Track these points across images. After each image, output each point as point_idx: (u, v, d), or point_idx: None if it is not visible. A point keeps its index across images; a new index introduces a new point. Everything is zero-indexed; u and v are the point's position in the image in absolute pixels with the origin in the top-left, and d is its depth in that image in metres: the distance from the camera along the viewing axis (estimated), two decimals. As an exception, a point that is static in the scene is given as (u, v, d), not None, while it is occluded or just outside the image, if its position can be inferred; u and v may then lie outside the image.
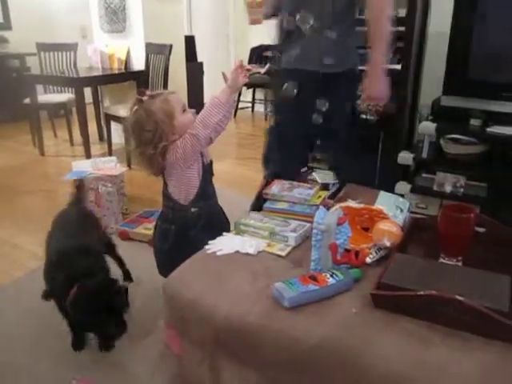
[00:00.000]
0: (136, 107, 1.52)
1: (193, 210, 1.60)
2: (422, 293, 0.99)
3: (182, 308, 1.19)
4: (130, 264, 2.27)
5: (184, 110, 1.55)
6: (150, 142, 1.49)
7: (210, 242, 1.39)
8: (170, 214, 1.64)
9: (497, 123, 2.37)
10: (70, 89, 4.41)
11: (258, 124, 5.61)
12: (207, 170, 1.63)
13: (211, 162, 1.66)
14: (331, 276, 1.12)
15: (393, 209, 1.42)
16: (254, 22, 1.87)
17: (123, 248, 2.43)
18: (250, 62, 5.75)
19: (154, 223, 2.54)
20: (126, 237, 2.51)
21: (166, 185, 1.64)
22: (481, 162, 2.45)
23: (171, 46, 3.87)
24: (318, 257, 1.19)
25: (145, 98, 1.51)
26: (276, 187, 1.60)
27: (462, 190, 2.48)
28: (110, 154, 3.89)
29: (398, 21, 2.64)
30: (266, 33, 5.66)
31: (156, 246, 1.73)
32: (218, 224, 1.63)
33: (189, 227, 1.59)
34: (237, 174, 3.59)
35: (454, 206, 1.23)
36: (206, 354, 1.20)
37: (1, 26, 5.36)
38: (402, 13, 2.63)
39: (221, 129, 1.53)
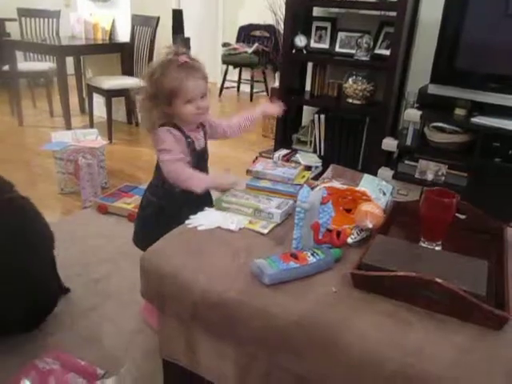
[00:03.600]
0: (163, 61, 1.45)
1: (178, 189, 1.53)
2: (401, 274, 0.99)
3: (160, 281, 1.17)
4: (109, 237, 2.24)
5: (189, 101, 1.46)
6: (151, 98, 1.46)
7: (191, 216, 1.37)
8: (160, 186, 1.57)
9: (482, 114, 2.38)
10: (51, 58, 4.28)
11: (242, 104, 5.56)
12: (201, 157, 1.58)
13: (205, 148, 1.62)
14: (312, 255, 1.12)
15: (376, 191, 1.41)
16: None
17: (102, 222, 2.41)
18: (237, 41, 5.68)
19: (133, 198, 2.54)
20: (104, 210, 2.47)
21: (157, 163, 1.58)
22: (463, 151, 2.48)
23: (158, 19, 3.78)
24: (300, 235, 1.19)
25: (181, 58, 1.44)
26: (260, 165, 1.58)
27: (443, 178, 2.50)
28: (92, 126, 3.82)
29: (390, 5, 2.63)
30: (255, 12, 5.61)
31: (138, 213, 1.69)
32: (204, 204, 1.57)
33: (173, 203, 1.55)
34: (221, 154, 3.56)
35: (436, 190, 1.23)
36: (183, 329, 1.20)
37: (-20, -11, 5.14)
38: (394, -3, 2.61)
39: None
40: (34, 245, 1.54)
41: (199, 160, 1.57)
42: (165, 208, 1.57)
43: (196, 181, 1.47)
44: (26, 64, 4.22)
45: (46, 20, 4.39)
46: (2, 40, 4.24)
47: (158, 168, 1.58)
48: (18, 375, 1.26)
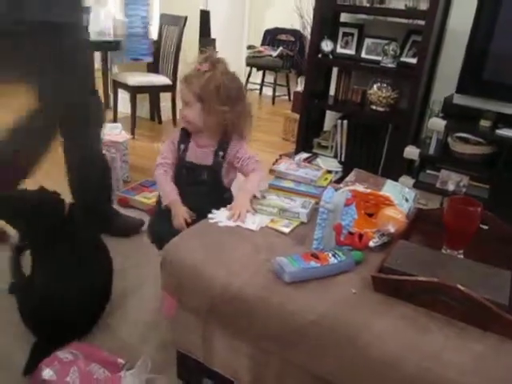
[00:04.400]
0: (210, 72, 1.49)
1: None
2: (423, 279, 0.99)
3: (181, 274, 1.19)
4: (127, 230, 2.27)
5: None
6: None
7: (212, 211, 1.38)
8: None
9: (507, 126, 2.36)
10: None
11: (264, 107, 5.58)
12: (190, 171, 1.62)
13: (202, 166, 1.62)
14: (333, 256, 1.12)
15: (399, 197, 1.41)
16: None
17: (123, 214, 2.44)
18: (262, 44, 5.70)
19: (154, 193, 2.56)
20: (125, 203, 2.51)
21: (217, 176, 1.59)
22: (486, 163, 2.45)
23: (186, 19, 3.82)
24: (322, 236, 1.19)
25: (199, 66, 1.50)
26: (283, 165, 1.59)
27: (464, 189, 2.48)
28: (115, 121, 3.86)
29: (419, 14, 2.62)
30: (281, 16, 5.63)
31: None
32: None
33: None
34: None
35: (460, 199, 1.22)
36: (199, 322, 1.21)
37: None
38: (423, 6, 2.60)
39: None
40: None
41: (188, 173, 1.59)
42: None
43: (162, 193, 1.58)
44: (55, 57, 4.30)
45: (76, 15, 4.47)
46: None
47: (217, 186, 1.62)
48: (41, 365, 1.28)
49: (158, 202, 1.66)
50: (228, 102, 1.49)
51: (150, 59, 4.12)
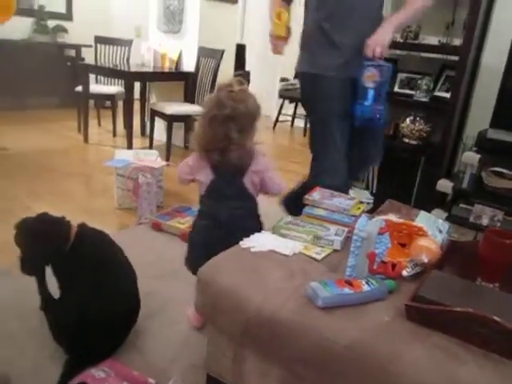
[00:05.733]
0: (233, 102, 1.54)
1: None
2: (458, 309, 0.99)
3: (215, 296, 1.22)
4: (160, 254, 2.32)
5: None
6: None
7: (244, 238, 1.42)
8: (253, 211, 1.71)
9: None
10: (119, 82, 4.56)
11: (296, 138, 5.65)
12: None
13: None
14: (367, 283, 1.13)
15: (433, 228, 1.42)
16: (276, 52, 1.99)
17: (155, 239, 2.50)
18: (295, 77, 5.82)
19: (186, 218, 2.62)
20: (158, 228, 2.57)
21: (241, 186, 1.65)
22: (522, 198, 2.41)
23: (223, 52, 3.97)
24: (355, 263, 1.21)
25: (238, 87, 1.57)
26: (317, 194, 1.62)
27: (499, 224, 2.44)
28: (151, 148, 4.00)
29: (452, 49, 2.66)
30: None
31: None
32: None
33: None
34: (288, 168, 3.58)
35: (497, 231, 1.22)
36: (232, 345, 1.23)
37: (62, 17, 5.59)
38: (457, 41, 2.64)
39: None
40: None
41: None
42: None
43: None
44: (97, 86, 4.51)
45: (119, 48, 4.70)
46: (78, 64, 4.57)
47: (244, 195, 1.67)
48: (74, 381, 1.32)
49: (191, 232, 1.75)
50: None
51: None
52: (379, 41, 1.82)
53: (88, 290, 1.49)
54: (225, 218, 1.63)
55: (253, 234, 1.46)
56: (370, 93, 1.87)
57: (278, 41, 1.95)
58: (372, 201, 2.94)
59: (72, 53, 5.50)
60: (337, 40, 1.94)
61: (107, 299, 1.49)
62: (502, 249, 1.16)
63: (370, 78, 1.84)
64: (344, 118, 2.03)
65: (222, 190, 1.64)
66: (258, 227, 1.65)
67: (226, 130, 1.54)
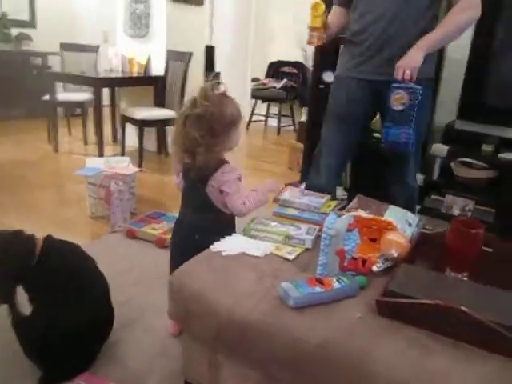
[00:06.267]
0: (207, 102, 1.49)
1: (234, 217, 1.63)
2: (427, 301, 1.00)
3: (187, 301, 1.20)
4: (135, 262, 2.29)
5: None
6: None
7: (215, 242, 1.40)
8: (215, 225, 1.58)
9: (509, 150, 2.38)
10: (88, 89, 4.48)
11: (269, 137, 5.66)
12: None
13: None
14: (337, 281, 1.14)
15: (402, 222, 1.43)
16: (310, 43, 1.97)
17: (129, 246, 2.47)
18: (267, 77, 5.83)
19: (161, 224, 2.59)
20: (132, 235, 2.53)
21: (206, 198, 1.58)
22: (490, 187, 2.46)
23: (191, 54, 3.94)
24: (326, 262, 1.21)
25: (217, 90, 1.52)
26: (287, 194, 1.62)
27: (469, 213, 2.49)
28: (123, 155, 3.94)
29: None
30: (284, 49, 5.77)
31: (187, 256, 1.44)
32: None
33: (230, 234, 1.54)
34: (245, 183, 3.60)
35: (463, 221, 1.24)
36: (206, 351, 1.21)
37: (26, 24, 5.47)
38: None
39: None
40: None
41: None
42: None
43: (260, 203, 1.60)
44: (65, 94, 4.42)
45: (86, 54, 4.62)
46: (44, 72, 4.48)
47: (206, 208, 1.59)
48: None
49: (172, 238, 1.71)
50: None
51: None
52: (409, 63, 1.76)
53: (57, 303, 1.45)
54: (186, 225, 1.63)
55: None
56: (395, 115, 1.82)
57: (313, 32, 1.91)
58: (346, 196, 2.96)
59: (38, 61, 5.39)
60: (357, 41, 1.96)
61: (77, 311, 1.46)
62: (468, 238, 1.18)
63: (398, 100, 1.79)
64: (343, 119, 2.07)
65: (189, 197, 1.63)
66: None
67: (196, 131, 1.49)
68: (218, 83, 1.56)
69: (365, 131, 2.21)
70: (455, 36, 1.83)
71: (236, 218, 1.64)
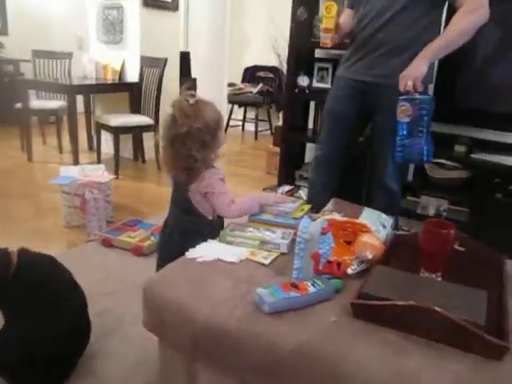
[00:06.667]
0: (188, 119, 1.47)
1: (216, 223, 1.63)
2: (400, 303, 1.00)
3: (162, 310, 1.18)
4: (112, 271, 2.26)
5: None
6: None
7: (190, 248, 1.39)
8: (194, 227, 1.58)
9: (481, 150, 2.43)
10: (62, 96, 4.42)
11: (247, 142, 5.66)
12: None
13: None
14: (312, 284, 1.13)
15: (376, 224, 1.44)
16: (323, 44, 1.98)
17: (106, 255, 2.43)
18: (243, 81, 5.84)
19: (137, 232, 2.56)
20: (108, 244, 2.49)
21: (188, 202, 1.58)
22: (464, 187, 2.51)
23: (166, 60, 3.92)
24: (301, 266, 1.20)
25: (192, 101, 1.50)
26: (262, 198, 1.61)
27: (445, 213, 2.52)
28: (99, 162, 3.89)
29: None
30: (260, 54, 5.79)
31: (171, 257, 1.44)
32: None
33: (211, 238, 1.52)
34: None
35: (434, 221, 1.25)
36: (184, 359, 1.20)
37: (-3, 31, 5.39)
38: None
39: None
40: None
41: None
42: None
43: (251, 210, 1.58)
44: (38, 102, 4.35)
45: (59, 61, 4.56)
46: (16, 79, 4.40)
47: (187, 211, 1.59)
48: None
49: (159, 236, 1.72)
50: None
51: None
52: (411, 74, 1.77)
53: (33, 316, 1.42)
54: (169, 225, 1.64)
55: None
56: (403, 127, 1.81)
57: (326, 33, 1.92)
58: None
59: (10, 68, 5.30)
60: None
61: (54, 324, 1.43)
62: (439, 239, 1.19)
63: (403, 112, 1.79)
64: (332, 114, 2.13)
65: (175, 197, 1.64)
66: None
67: (189, 150, 1.47)
68: (191, 94, 1.53)
69: (356, 129, 2.25)
70: (460, 41, 1.80)
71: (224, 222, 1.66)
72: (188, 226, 1.59)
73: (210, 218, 1.60)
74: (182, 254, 1.41)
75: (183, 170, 1.52)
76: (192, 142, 1.47)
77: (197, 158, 1.48)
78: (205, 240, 1.46)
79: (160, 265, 1.63)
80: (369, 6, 1.93)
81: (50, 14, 5.85)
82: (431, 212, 2.55)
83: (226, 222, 1.63)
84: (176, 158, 1.51)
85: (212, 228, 1.60)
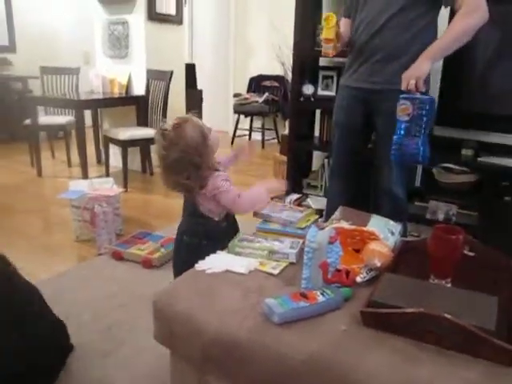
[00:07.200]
0: (174, 147, 1.52)
1: (224, 224, 1.65)
2: (410, 310, 1.00)
3: (172, 322, 1.19)
4: (123, 283, 2.27)
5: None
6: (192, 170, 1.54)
7: (199, 260, 1.40)
8: (201, 229, 1.64)
9: (488, 153, 2.42)
10: (70, 111, 4.48)
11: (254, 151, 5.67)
12: None
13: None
14: (321, 294, 1.13)
15: (384, 231, 1.44)
16: (325, 54, 2.01)
17: (116, 268, 2.44)
18: (248, 91, 5.87)
19: (147, 244, 2.58)
20: (119, 257, 2.51)
21: (195, 205, 1.63)
22: (472, 191, 2.49)
23: (171, 73, 3.96)
24: (309, 275, 1.21)
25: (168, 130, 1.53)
26: (268, 208, 1.62)
27: (454, 218, 2.51)
28: (108, 176, 3.92)
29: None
30: (264, 63, 5.82)
31: (182, 260, 1.67)
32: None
33: (220, 240, 1.56)
34: None
35: (443, 227, 1.25)
36: (195, 371, 1.20)
37: (5, 49, 5.46)
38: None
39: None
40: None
41: None
42: (210, 247, 1.55)
43: (258, 200, 1.63)
44: (46, 118, 4.41)
45: (67, 77, 4.62)
46: (25, 96, 4.47)
47: (195, 214, 1.64)
48: None
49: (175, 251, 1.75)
50: None
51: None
52: (413, 73, 1.78)
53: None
54: (180, 229, 1.70)
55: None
56: (402, 126, 1.80)
57: (327, 43, 1.96)
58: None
59: (18, 86, 5.37)
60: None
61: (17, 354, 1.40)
62: (448, 245, 1.19)
63: (403, 111, 1.78)
64: (338, 124, 2.18)
65: (186, 203, 1.69)
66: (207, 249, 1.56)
67: (182, 178, 1.54)
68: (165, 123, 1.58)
69: (364, 137, 2.29)
70: (461, 42, 1.82)
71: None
72: (196, 228, 1.65)
73: (217, 219, 1.64)
74: (190, 256, 1.48)
75: (183, 191, 1.61)
76: (184, 166, 1.52)
77: (193, 179, 1.54)
78: (212, 241, 1.53)
79: (174, 271, 1.73)
80: (364, 13, 1.96)
81: (56, 30, 5.94)
82: (440, 217, 2.54)
83: (241, 225, 1.70)
84: (174, 184, 1.59)
85: (219, 229, 1.64)
